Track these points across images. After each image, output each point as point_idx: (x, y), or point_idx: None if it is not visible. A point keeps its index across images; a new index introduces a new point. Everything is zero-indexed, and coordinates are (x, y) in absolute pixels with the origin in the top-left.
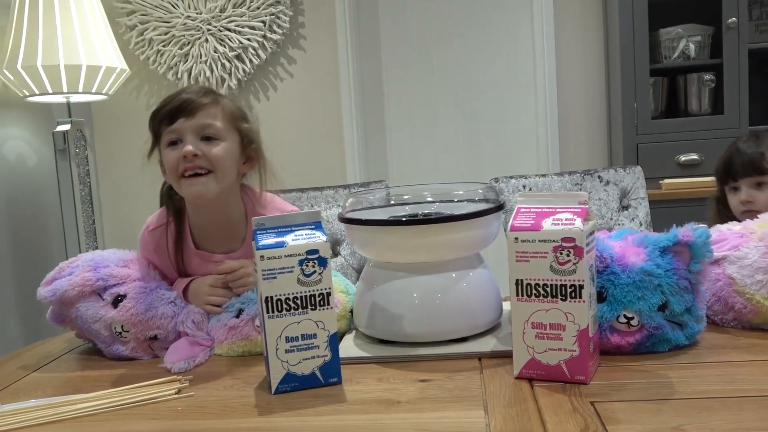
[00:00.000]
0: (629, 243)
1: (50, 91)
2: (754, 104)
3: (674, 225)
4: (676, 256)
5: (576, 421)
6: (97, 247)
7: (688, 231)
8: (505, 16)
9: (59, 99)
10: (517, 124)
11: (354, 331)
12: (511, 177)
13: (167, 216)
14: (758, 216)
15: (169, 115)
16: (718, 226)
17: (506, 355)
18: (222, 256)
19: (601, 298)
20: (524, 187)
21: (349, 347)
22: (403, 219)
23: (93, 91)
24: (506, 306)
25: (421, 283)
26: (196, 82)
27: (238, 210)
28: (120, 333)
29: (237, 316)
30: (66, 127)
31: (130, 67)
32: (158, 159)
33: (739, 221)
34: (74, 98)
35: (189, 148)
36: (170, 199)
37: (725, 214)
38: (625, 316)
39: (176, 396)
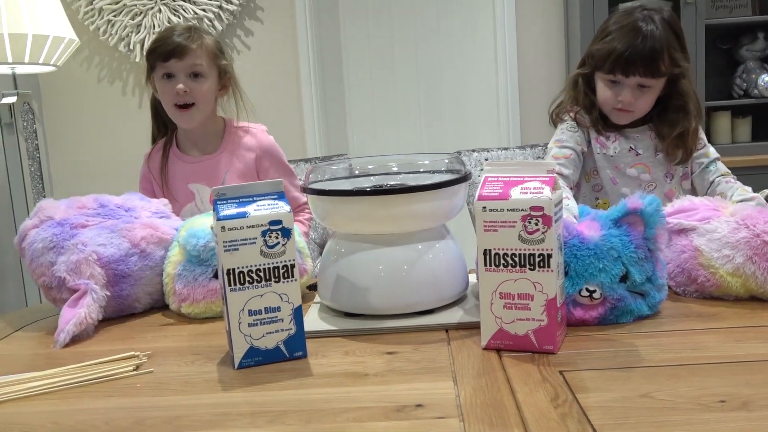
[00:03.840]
0: (582, 218)
1: None
2: (709, 79)
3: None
4: (631, 227)
5: (546, 391)
6: None
7: (636, 199)
8: None
9: (4, 70)
10: (478, 98)
11: (318, 305)
12: (473, 150)
13: (159, 137)
14: (629, 112)
15: (163, 55)
16: (689, 196)
17: (473, 327)
18: (196, 158)
19: None
20: (486, 160)
21: (313, 321)
22: (368, 189)
23: (40, 61)
24: (472, 278)
25: (387, 254)
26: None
27: (215, 125)
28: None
29: (215, 277)
30: (12, 99)
31: (80, 38)
32: (151, 81)
33: (605, 115)
34: (20, 69)
35: (180, 86)
36: (157, 113)
37: (589, 98)
38: (587, 289)
39: (135, 372)
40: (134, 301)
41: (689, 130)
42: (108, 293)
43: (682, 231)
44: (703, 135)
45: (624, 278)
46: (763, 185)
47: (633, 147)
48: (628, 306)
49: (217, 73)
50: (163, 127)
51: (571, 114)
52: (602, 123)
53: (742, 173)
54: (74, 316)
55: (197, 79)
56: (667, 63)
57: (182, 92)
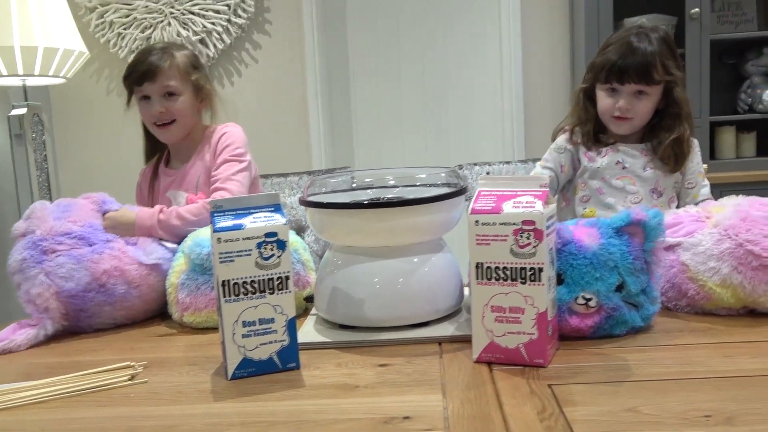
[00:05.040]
0: (579, 225)
1: (5, 73)
2: (714, 95)
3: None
4: (631, 237)
5: (533, 404)
6: None
7: (640, 211)
8: (473, 3)
9: (15, 81)
10: (484, 111)
11: (315, 316)
12: (475, 164)
13: (152, 154)
14: (628, 119)
15: (137, 80)
16: (674, 210)
17: (466, 340)
18: (176, 169)
19: (558, 280)
20: (488, 173)
21: (308, 332)
22: (365, 202)
23: (50, 74)
24: (467, 291)
25: (383, 267)
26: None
27: (197, 135)
28: None
29: None
30: (22, 110)
31: (90, 51)
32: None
33: (604, 126)
34: (30, 81)
35: (156, 108)
36: (148, 132)
37: (590, 112)
38: (583, 297)
39: (129, 382)
40: (93, 329)
41: (684, 135)
42: (66, 323)
43: (669, 247)
44: (704, 177)
45: (620, 288)
46: None
47: (620, 161)
48: (623, 316)
49: (192, 88)
50: (155, 145)
51: (568, 132)
52: (593, 140)
53: (747, 188)
54: (7, 339)
55: (172, 98)
56: (660, 71)
57: (158, 114)
